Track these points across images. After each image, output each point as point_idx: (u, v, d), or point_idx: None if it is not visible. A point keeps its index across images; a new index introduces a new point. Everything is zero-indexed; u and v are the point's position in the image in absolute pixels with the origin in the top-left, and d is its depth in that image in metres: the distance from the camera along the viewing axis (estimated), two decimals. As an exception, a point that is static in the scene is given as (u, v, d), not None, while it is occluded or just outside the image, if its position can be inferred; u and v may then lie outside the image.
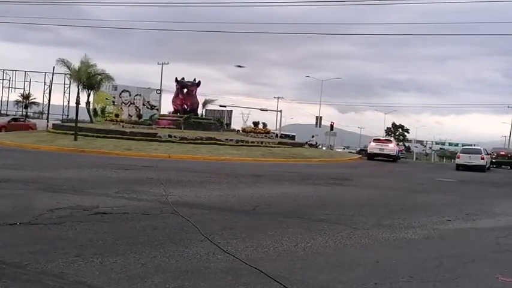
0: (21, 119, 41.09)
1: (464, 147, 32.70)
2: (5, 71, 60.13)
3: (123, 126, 30.00)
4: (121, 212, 6.44)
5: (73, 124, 26.19)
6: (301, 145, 35.19)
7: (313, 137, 53.83)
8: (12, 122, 36.77)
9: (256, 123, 36.87)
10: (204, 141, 24.95)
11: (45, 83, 57.93)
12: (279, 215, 7.19)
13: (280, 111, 55.19)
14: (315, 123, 49.48)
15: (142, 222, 5.92)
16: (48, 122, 44.99)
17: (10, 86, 59.98)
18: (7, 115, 56.98)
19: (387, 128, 75.24)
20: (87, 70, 24.62)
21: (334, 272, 4.33)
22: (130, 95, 52.89)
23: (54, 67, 31.36)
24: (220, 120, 40.20)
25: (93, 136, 24.26)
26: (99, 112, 45.64)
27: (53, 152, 19.05)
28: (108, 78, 27.08)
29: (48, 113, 51.99)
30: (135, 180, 10.46)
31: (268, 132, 36.05)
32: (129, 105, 52.47)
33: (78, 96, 25.77)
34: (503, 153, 33.45)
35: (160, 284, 3.64)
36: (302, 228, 6.17)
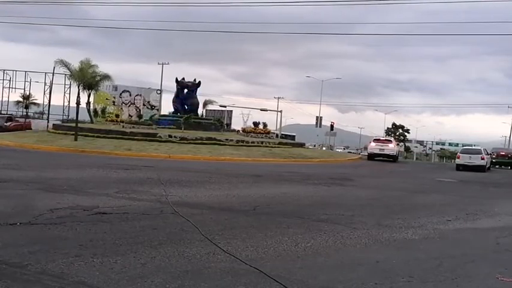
0: None
1: (465, 147, 32.69)
2: (5, 71, 60.17)
3: (123, 127, 30.02)
4: (121, 212, 6.44)
5: (73, 124, 26.21)
6: (301, 145, 35.20)
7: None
8: None
9: (256, 124, 36.89)
10: (204, 142, 24.96)
11: (45, 83, 57.89)
12: (279, 215, 7.19)
13: (280, 111, 55.22)
14: (315, 123, 49.48)
15: (142, 222, 5.93)
16: (48, 122, 45.05)
17: (10, 86, 60.01)
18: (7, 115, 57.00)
19: (387, 128, 75.19)
20: (87, 71, 24.63)
21: (334, 272, 4.33)
22: (130, 95, 52.90)
23: (54, 67, 31.32)
24: (220, 121, 40.20)
25: (93, 136, 24.27)
26: (99, 112, 45.60)
27: (53, 152, 19.06)
28: (108, 78, 27.07)
29: (48, 114, 52.01)
30: (135, 180, 10.46)
31: (269, 132, 36.07)
32: (130, 106, 52.48)
33: (78, 97, 25.82)
34: (503, 153, 33.44)
35: (160, 284, 3.64)
36: (302, 228, 6.17)
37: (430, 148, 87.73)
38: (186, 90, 37.40)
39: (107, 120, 39.15)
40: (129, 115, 48.10)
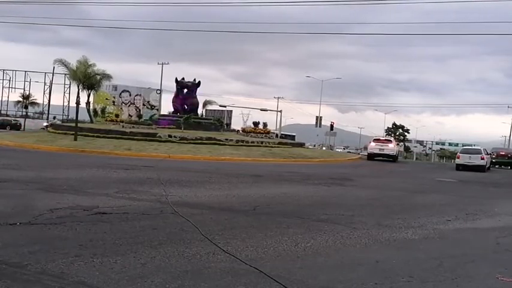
0: None
1: (464, 147, 32.67)
2: (5, 71, 60.25)
3: (123, 126, 30.02)
4: (121, 212, 6.44)
5: (73, 124, 26.19)
6: (301, 145, 35.20)
7: None
8: None
9: (256, 123, 36.89)
10: (204, 141, 24.96)
11: (45, 83, 58.10)
12: (279, 215, 7.19)
13: (280, 111, 55.27)
14: (315, 123, 49.50)
15: (142, 222, 5.92)
16: (48, 122, 45.05)
17: (10, 86, 60.12)
18: (7, 115, 57.06)
19: (387, 128, 75.24)
20: (85, 70, 24.58)
21: (334, 272, 4.33)
22: (130, 95, 52.97)
23: (54, 67, 31.31)
24: (220, 120, 40.21)
25: (93, 136, 24.27)
26: (99, 112, 45.65)
27: (53, 152, 19.05)
28: (107, 77, 27.04)
29: (48, 113, 52.03)
30: (135, 180, 10.45)
31: (268, 132, 36.07)
32: (129, 105, 52.54)
33: (78, 97, 25.79)
34: (503, 153, 33.44)
35: (160, 284, 3.64)
36: (302, 228, 6.17)
37: (430, 148, 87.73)
38: (185, 90, 37.40)
39: (106, 120, 39.17)
40: (129, 115, 48.15)
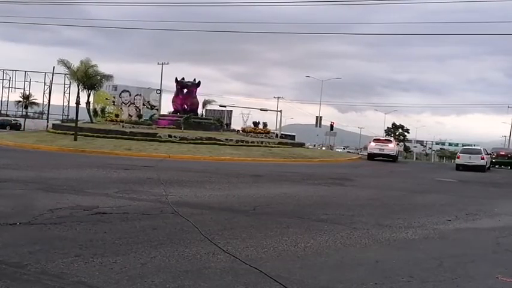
0: None
1: (464, 147, 32.66)
2: (5, 71, 60.25)
3: (123, 126, 30.00)
4: (121, 212, 6.44)
5: (73, 124, 26.20)
6: (301, 145, 35.20)
7: None
8: None
9: (256, 123, 36.87)
10: (204, 141, 24.96)
11: (45, 83, 58.06)
12: (279, 215, 7.19)
13: (280, 111, 55.20)
14: (315, 123, 49.49)
15: (142, 222, 5.92)
16: (48, 122, 45.09)
17: (10, 86, 60.13)
18: (7, 115, 57.06)
19: (387, 128, 75.20)
20: (86, 70, 24.58)
21: (334, 272, 4.33)
22: (130, 95, 52.92)
23: (54, 67, 31.31)
24: (220, 120, 40.19)
25: (93, 136, 24.27)
26: (99, 112, 45.62)
27: (53, 152, 19.06)
28: (108, 77, 27.02)
29: (48, 113, 52.04)
30: (135, 180, 10.45)
31: (268, 132, 36.06)
32: (129, 105, 52.49)
33: (78, 96, 25.79)
34: (503, 153, 33.42)
35: (160, 284, 3.64)
36: (302, 228, 6.17)
37: (430, 148, 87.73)
38: (185, 90, 37.41)
39: (106, 120, 39.16)
40: (129, 115, 48.09)
